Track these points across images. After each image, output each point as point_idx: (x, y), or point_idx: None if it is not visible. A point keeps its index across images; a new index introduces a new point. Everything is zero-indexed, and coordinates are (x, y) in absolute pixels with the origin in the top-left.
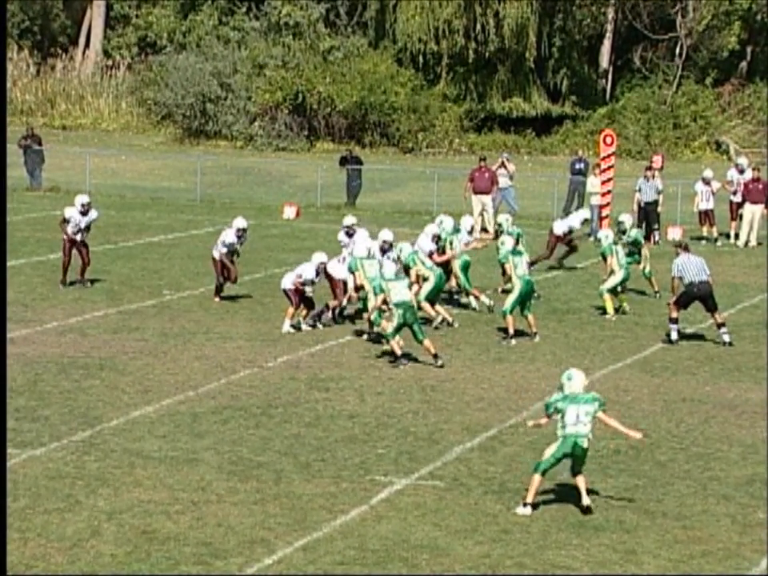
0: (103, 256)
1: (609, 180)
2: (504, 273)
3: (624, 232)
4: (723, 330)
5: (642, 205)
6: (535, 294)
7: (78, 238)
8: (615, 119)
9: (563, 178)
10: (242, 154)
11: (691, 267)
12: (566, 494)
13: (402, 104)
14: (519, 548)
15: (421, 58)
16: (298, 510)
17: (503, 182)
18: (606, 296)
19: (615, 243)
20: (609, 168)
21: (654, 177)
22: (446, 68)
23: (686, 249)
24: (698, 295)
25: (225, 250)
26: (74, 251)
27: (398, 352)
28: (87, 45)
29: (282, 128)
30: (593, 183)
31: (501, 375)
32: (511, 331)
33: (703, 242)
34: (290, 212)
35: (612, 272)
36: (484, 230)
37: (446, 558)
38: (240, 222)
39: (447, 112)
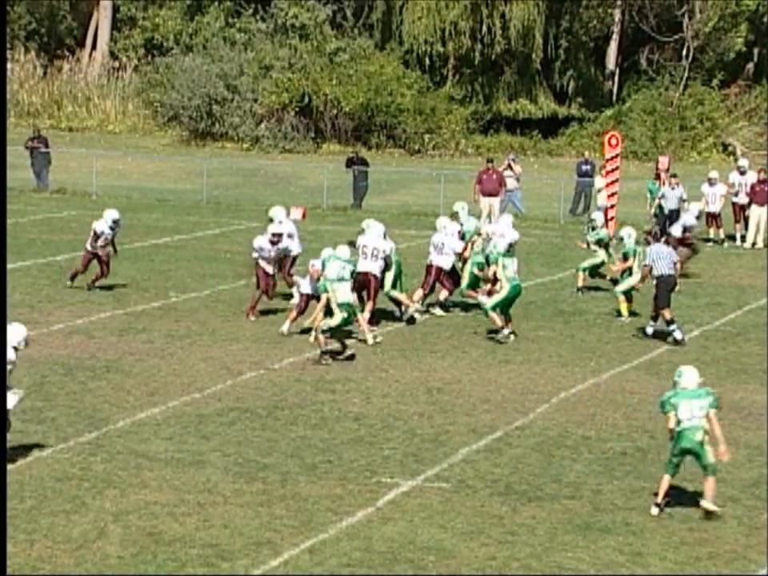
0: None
1: (614, 181)
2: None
3: (594, 229)
4: (655, 322)
5: (666, 212)
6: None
7: (101, 252)
8: (622, 121)
9: (570, 180)
10: (249, 156)
11: (662, 258)
12: (572, 495)
13: (408, 106)
14: (525, 550)
15: (427, 60)
16: (304, 512)
17: (510, 183)
18: (621, 298)
19: (638, 243)
20: (614, 169)
21: (678, 184)
22: (452, 70)
23: (656, 238)
24: (668, 288)
25: (255, 255)
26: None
27: (323, 347)
28: (94, 46)
29: (289, 129)
30: (600, 183)
31: (507, 377)
32: (500, 324)
33: (710, 243)
34: (296, 213)
35: (630, 273)
36: None
37: (453, 559)
38: (274, 227)
39: (453, 114)
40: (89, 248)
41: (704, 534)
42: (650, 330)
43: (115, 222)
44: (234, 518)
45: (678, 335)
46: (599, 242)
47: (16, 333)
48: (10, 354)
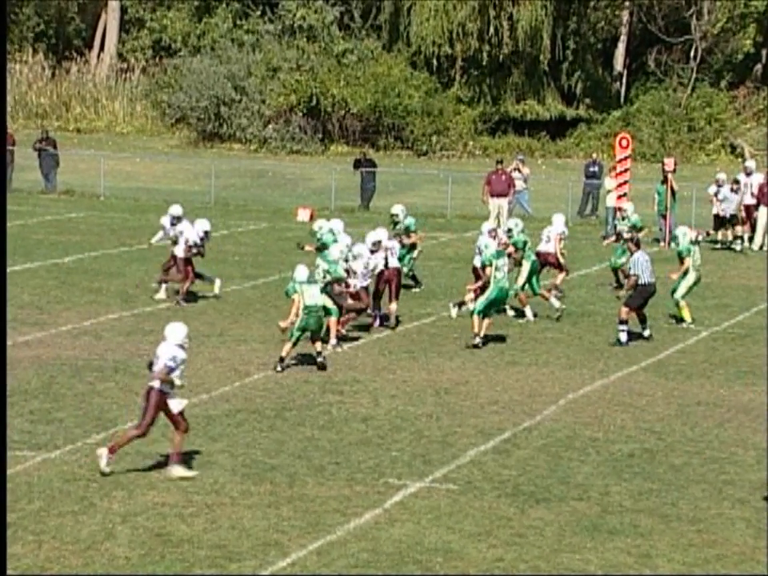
0: (118, 258)
1: (624, 183)
2: (477, 277)
3: (624, 218)
4: (645, 325)
5: (728, 216)
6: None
7: (189, 252)
8: (629, 122)
9: (577, 181)
10: (256, 157)
11: (646, 266)
12: (580, 497)
13: (415, 107)
14: (533, 551)
15: (435, 61)
16: (312, 513)
17: (517, 184)
18: (682, 303)
19: (693, 243)
20: (624, 171)
21: (738, 189)
22: (459, 71)
23: (638, 245)
24: (647, 295)
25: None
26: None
27: (284, 354)
28: (102, 48)
29: (296, 131)
30: (610, 184)
31: (515, 378)
32: (476, 331)
33: (718, 245)
34: (303, 215)
35: (684, 275)
36: None
37: (460, 561)
38: (375, 235)
39: (461, 115)
40: (181, 254)
41: (712, 536)
42: (646, 333)
43: (206, 233)
44: (241, 519)
45: (622, 337)
46: (634, 227)
47: (179, 331)
48: (179, 353)
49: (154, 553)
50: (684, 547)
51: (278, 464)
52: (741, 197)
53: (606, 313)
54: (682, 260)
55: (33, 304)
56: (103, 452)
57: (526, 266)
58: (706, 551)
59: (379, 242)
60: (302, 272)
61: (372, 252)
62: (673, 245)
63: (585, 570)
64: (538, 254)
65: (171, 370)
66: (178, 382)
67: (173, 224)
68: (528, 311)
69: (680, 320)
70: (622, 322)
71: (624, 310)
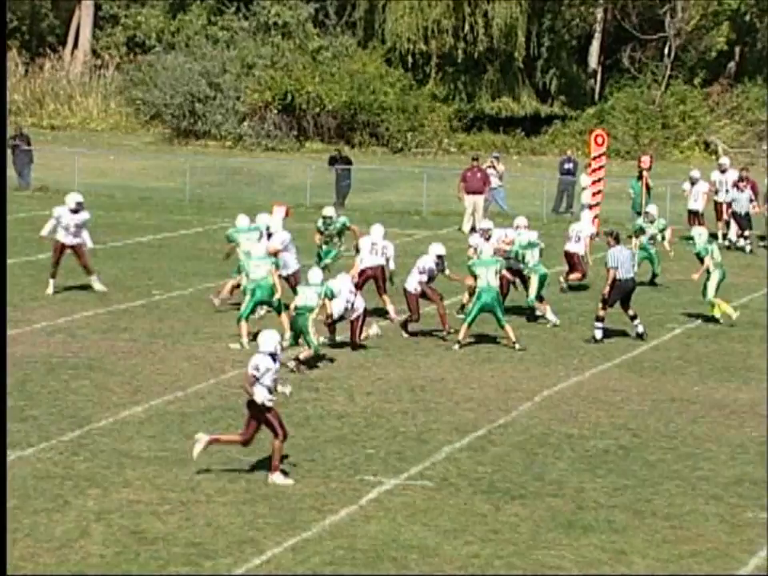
0: (92, 256)
1: (599, 180)
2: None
3: (653, 222)
4: (636, 321)
5: (742, 215)
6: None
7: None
8: (604, 119)
9: (552, 178)
10: (231, 154)
11: (624, 261)
12: (555, 493)
13: (391, 104)
14: (508, 548)
15: (410, 58)
16: (287, 510)
17: (493, 181)
18: (717, 300)
19: (710, 242)
20: (600, 168)
21: (746, 188)
22: (435, 68)
23: (617, 240)
24: (624, 291)
25: (425, 278)
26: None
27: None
28: (76, 44)
29: (271, 128)
30: (585, 182)
31: (490, 375)
32: (461, 338)
33: (691, 241)
34: (279, 212)
35: (708, 274)
36: (473, 230)
37: (436, 558)
38: (438, 248)
39: (436, 112)
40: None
41: (686, 532)
42: (640, 329)
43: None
44: (216, 516)
45: (597, 334)
46: (662, 231)
47: (268, 340)
48: (265, 361)
49: (128, 551)
50: (658, 543)
51: (253, 461)
52: (748, 193)
53: (581, 309)
54: (701, 260)
55: (7, 301)
56: (276, 477)
57: (535, 280)
58: (680, 547)
59: (443, 255)
60: (314, 275)
61: (436, 265)
62: (690, 246)
63: (560, 566)
64: (566, 254)
65: (256, 379)
66: (259, 395)
67: (76, 211)
68: (549, 312)
69: (714, 319)
70: (598, 319)
71: (600, 310)
